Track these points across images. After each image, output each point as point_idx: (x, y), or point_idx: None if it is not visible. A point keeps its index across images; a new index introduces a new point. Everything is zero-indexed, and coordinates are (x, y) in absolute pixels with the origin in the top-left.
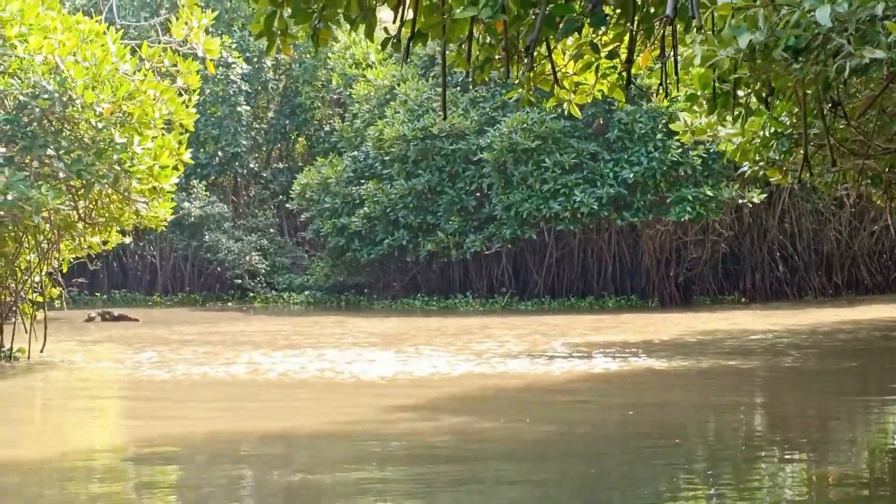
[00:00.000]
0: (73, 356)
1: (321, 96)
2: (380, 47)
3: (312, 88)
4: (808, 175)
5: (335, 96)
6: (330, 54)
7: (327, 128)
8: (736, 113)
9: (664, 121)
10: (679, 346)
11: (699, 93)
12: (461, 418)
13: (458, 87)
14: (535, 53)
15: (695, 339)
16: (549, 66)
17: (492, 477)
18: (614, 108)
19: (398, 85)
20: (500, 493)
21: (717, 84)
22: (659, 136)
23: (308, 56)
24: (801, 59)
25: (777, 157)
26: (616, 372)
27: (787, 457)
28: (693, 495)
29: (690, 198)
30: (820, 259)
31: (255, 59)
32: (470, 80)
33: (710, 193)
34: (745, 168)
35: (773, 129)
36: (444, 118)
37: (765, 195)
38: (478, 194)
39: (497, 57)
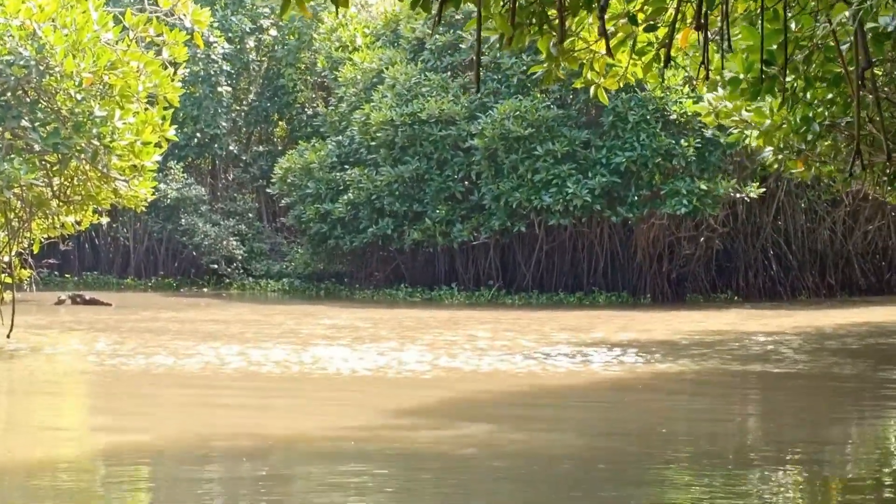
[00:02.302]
0: (42, 343)
1: (304, 79)
2: (409, 8)
3: (296, 71)
4: (859, 168)
5: (319, 79)
6: (315, 36)
7: (310, 111)
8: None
9: (655, 108)
10: (681, 347)
11: (741, 76)
12: (474, 425)
13: (448, 72)
14: (567, 28)
15: (694, 340)
16: (578, 43)
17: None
18: (608, 94)
19: (386, 68)
20: None
21: (763, 68)
22: (652, 123)
23: (292, 38)
24: None
25: (803, 146)
26: (619, 376)
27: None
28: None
29: (685, 191)
30: (814, 258)
31: (238, 39)
32: (499, 47)
33: (705, 187)
34: (767, 154)
35: (802, 115)
36: (477, 90)
37: (762, 190)
38: (466, 182)
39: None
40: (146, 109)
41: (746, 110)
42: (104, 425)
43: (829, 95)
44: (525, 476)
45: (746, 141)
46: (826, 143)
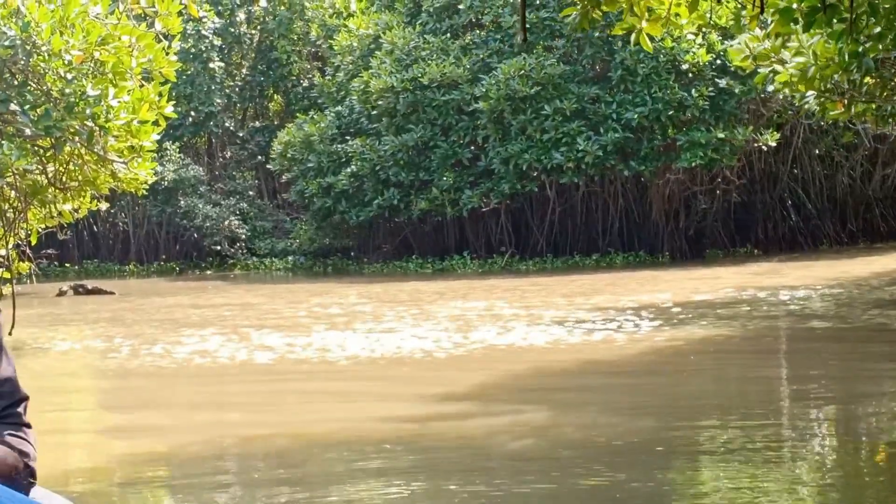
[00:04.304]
0: (48, 338)
1: (298, 50)
2: None
3: (289, 42)
4: None
5: (313, 49)
6: (307, 4)
7: (305, 83)
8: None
9: (666, 59)
10: (712, 307)
11: (794, 6)
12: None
13: (448, 34)
14: None
15: (724, 299)
16: None
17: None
18: (616, 48)
19: (383, 34)
20: None
21: None
22: (664, 75)
23: (283, 7)
24: None
25: (845, 86)
26: (663, 343)
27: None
28: None
29: (703, 142)
30: (833, 206)
31: (228, 13)
32: None
33: (721, 136)
34: (809, 98)
35: (851, 50)
36: (524, 40)
37: (777, 136)
38: (473, 147)
39: None
40: (141, 86)
41: (786, 49)
42: (135, 425)
43: (878, 29)
44: (610, 467)
45: (773, 85)
46: (871, 81)
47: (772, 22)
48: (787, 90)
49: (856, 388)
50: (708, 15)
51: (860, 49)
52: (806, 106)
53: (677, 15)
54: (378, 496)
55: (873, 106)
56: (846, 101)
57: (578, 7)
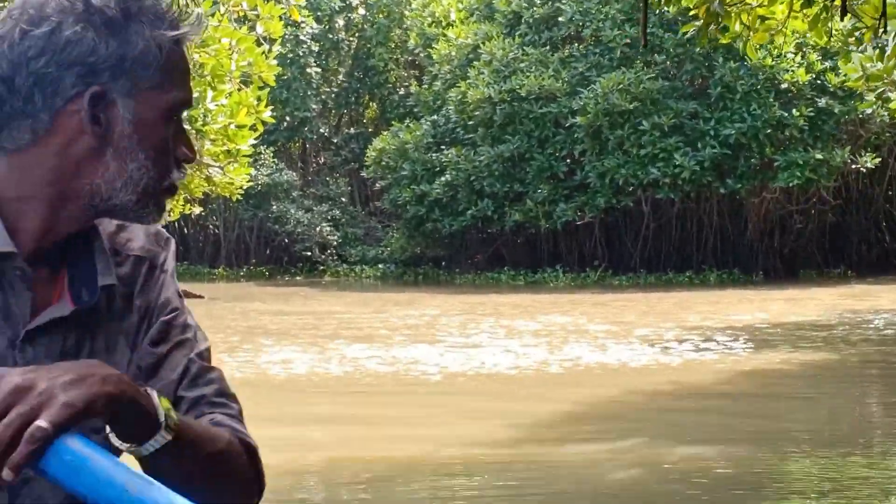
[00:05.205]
0: None
1: (395, 58)
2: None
3: (386, 49)
4: None
5: (411, 57)
6: (406, 12)
7: (402, 91)
8: None
9: (765, 77)
10: (812, 330)
11: None
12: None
13: (547, 46)
14: None
15: (825, 321)
16: None
17: None
18: (716, 64)
19: (482, 44)
20: None
21: None
22: (763, 93)
23: (382, 15)
24: None
25: None
26: (765, 366)
27: None
28: None
29: (801, 162)
30: None
31: (326, 18)
32: None
33: (820, 157)
34: None
35: None
36: (645, 45)
37: (878, 159)
38: (569, 161)
39: None
40: (240, 90)
41: None
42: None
43: None
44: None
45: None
46: None
47: (893, 40)
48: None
49: None
50: (829, 33)
51: None
52: None
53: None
54: None
55: None
56: None
57: (700, 22)
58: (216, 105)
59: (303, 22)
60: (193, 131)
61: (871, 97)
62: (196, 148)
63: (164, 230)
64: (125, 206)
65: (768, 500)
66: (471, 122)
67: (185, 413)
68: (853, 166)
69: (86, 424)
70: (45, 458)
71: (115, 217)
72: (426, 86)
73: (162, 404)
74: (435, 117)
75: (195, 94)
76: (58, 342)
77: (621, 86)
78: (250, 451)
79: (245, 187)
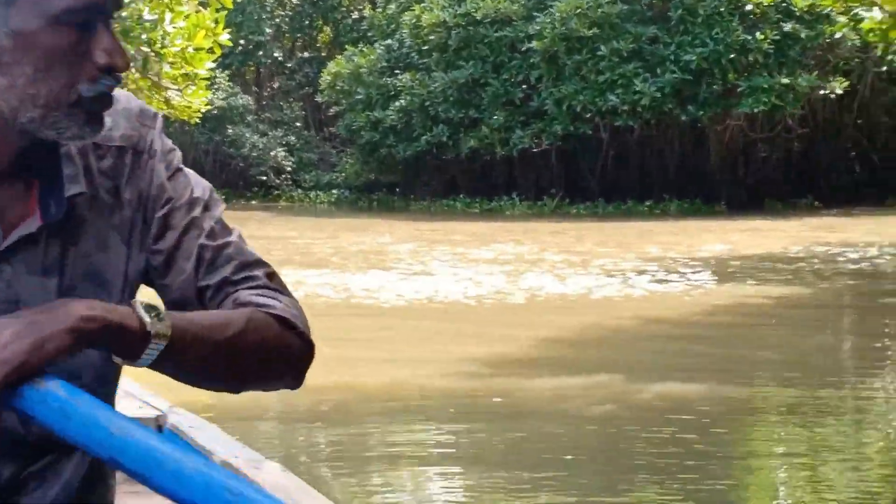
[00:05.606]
0: None
1: None
2: None
3: None
4: None
5: None
6: None
7: (355, 15)
8: None
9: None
10: (777, 263)
11: None
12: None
13: None
14: None
15: (791, 254)
16: None
17: None
18: None
19: None
20: None
21: None
22: (725, 16)
23: None
24: None
25: None
26: (732, 301)
27: None
28: None
29: (766, 87)
30: None
31: None
32: None
33: (786, 82)
34: None
35: None
36: None
37: (846, 84)
38: (525, 86)
39: None
40: (198, 12)
41: None
42: None
43: None
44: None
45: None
46: None
47: None
48: (871, 37)
49: None
50: None
51: None
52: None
53: None
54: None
55: None
56: None
57: None
58: (174, 27)
59: None
60: (153, 54)
61: (842, 19)
62: (155, 71)
63: (149, 107)
64: (36, 124)
65: (741, 433)
66: (425, 47)
67: (212, 300)
68: (821, 92)
69: (61, 366)
70: (32, 405)
71: (44, 136)
72: (380, 9)
73: (158, 317)
74: (389, 42)
75: (154, 16)
76: (37, 256)
77: (579, 10)
78: (280, 320)
79: (203, 111)
